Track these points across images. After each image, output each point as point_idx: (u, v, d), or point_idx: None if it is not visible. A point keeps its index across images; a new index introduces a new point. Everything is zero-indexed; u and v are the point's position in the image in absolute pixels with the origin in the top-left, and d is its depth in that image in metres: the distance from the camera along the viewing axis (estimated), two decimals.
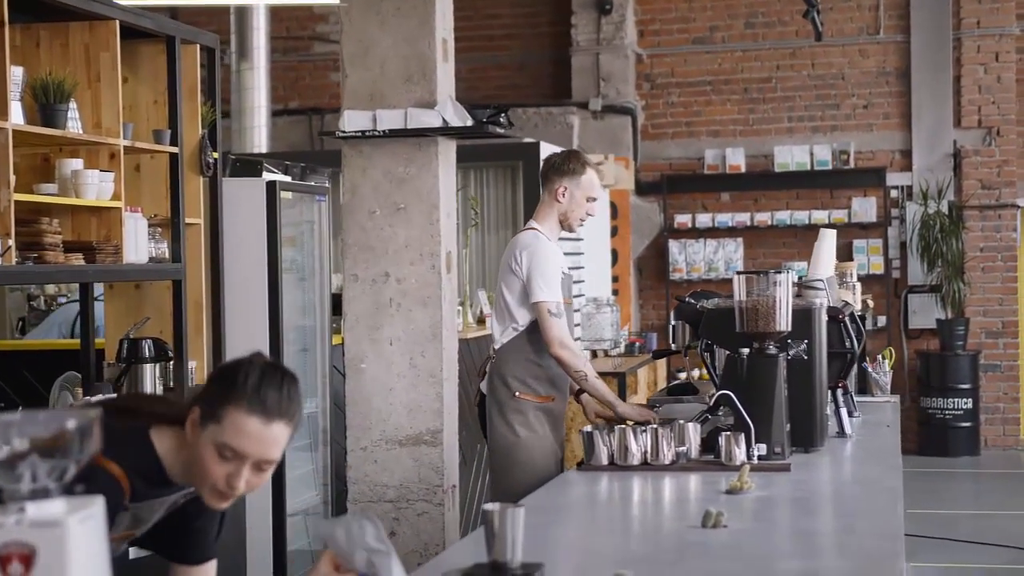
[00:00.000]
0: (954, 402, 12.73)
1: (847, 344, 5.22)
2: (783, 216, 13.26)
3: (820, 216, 13.10)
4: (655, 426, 4.46)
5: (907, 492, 9.39)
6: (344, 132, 5.91)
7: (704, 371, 12.04)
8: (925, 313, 13.09)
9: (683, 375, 12.16)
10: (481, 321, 8.47)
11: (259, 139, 11.11)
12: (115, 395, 4.93)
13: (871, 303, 11.05)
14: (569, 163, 5.52)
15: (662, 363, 11.79)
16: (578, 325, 10.27)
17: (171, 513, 2.88)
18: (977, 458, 12.73)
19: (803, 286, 5.38)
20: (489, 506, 2.79)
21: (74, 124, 5.11)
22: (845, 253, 12.81)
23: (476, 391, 5.74)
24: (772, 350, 4.56)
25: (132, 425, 2.77)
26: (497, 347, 5.49)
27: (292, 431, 2.74)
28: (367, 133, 5.88)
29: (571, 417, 6.46)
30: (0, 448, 1.77)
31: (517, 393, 5.41)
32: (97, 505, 1.81)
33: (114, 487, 2.66)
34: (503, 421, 5.41)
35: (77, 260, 5.09)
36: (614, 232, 12.98)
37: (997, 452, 13.01)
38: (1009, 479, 11.99)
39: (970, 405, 12.75)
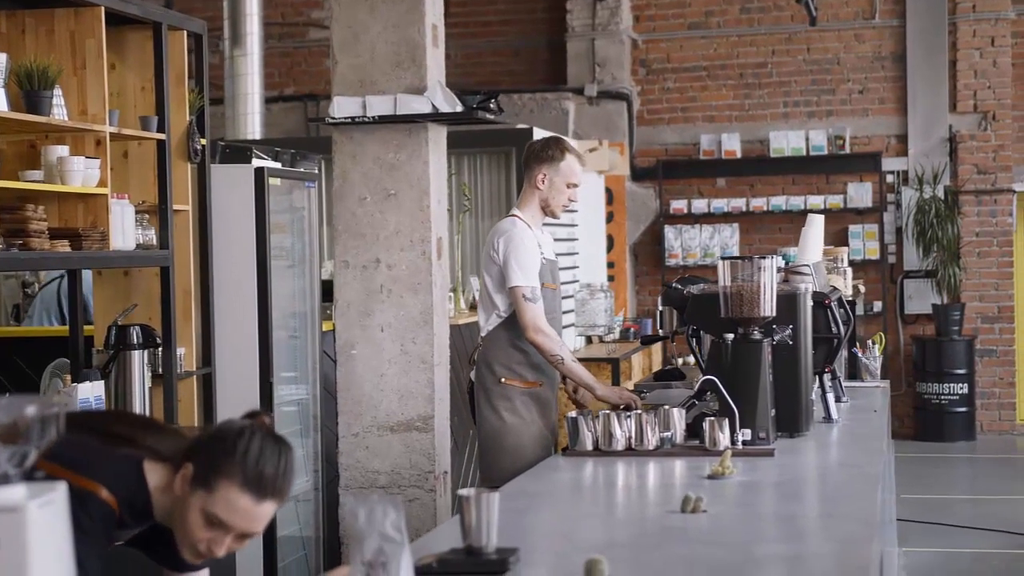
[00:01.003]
0: (950, 387, 12.74)
1: (833, 329, 5.22)
2: (779, 202, 13.26)
3: (816, 201, 13.09)
4: (639, 411, 4.46)
5: (902, 477, 9.47)
6: (334, 118, 5.91)
7: (693, 357, 12.07)
8: (921, 298, 13.10)
9: (679, 361, 12.18)
10: (473, 307, 8.47)
11: (252, 126, 11.09)
12: (104, 412, 4.83)
13: (862, 288, 11.03)
14: (548, 150, 5.53)
15: (657, 349, 11.80)
16: (571, 311, 10.30)
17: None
18: (973, 443, 12.74)
19: (789, 271, 5.38)
20: (464, 492, 2.80)
21: (59, 111, 5.10)
22: (841, 238, 12.81)
23: (467, 379, 5.76)
24: (757, 335, 4.57)
25: (127, 454, 2.75)
26: (483, 334, 5.52)
27: (281, 505, 2.75)
28: (357, 119, 5.87)
29: (565, 403, 6.47)
30: None
31: (503, 379, 5.43)
32: (58, 491, 1.81)
33: (106, 513, 2.66)
34: (490, 407, 5.44)
35: (63, 247, 5.09)
36: (610, 218, 12.98)
37: (993, 437, 13.01)
38: (1004, 464, 12.00)
39: (966, 390, 12.76)
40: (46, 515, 1.78)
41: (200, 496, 2.66)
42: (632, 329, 11.18)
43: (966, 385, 12.76)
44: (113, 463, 2.68)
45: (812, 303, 4.97)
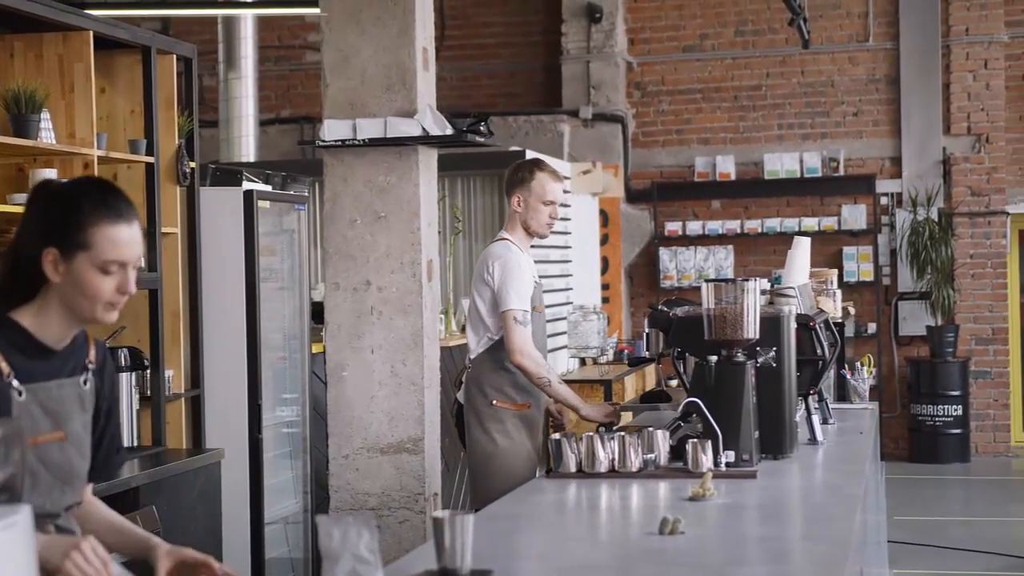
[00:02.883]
0: (944, 409, 12.74)
1: (818, 351, 5.23)
2: (773, 223, 13.29)
3: (810, 223, 13.12)
4: (623, 434, 4.47)
5: (897, 499, 9.47)
6: (324, 141, 5.93)
7: (678, 379, 12.07)
8: (915, 320, 13.11)
9: (674, 383, 12.18)
10: (464, 329, 8.48)
11: (247, 148, 11.13)
12: None
13: (852, 310, 11.05)
14: (518, 172, 5.67)
15: (651, 370, 11.80)
16: (563, 333, 10.31)
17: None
18: (967, 465, 12.74)
19: (775, 293, 5.39)
20: (438, 514, 2.81)
21: (47, 134, 5.13)
22: (835, 260, 12.83)
23: (453, 401, 5.78)
24: (740, 357, 4.57)
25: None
26: (472, 356, 5.58)
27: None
28: (347, 142, 5.90)
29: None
30: None
31: (494, 401, 5.48)
32: (23, 513, 1.83)
33: None
34: (481, 430, 5.47)
35: None
36: (604, 240, 13.01)
37: (987, 459, 13.01)
38: (999, 486, 11.99)
39: (960, 412, 12.76)
40: (9, 537, 1.79)
41: (82, 259, 2.78)
42: (627, 351, 11.17)
43: (960, 407, 12.76)
44: None
45: (797, 325, 4.98)
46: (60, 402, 2.87)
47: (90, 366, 2.96)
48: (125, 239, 2.80)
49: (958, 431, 12.77)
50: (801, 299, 5.43)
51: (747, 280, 4.57)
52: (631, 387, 10.36)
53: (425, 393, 5.94)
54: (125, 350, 5.67)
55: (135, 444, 5.74)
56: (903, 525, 9.40)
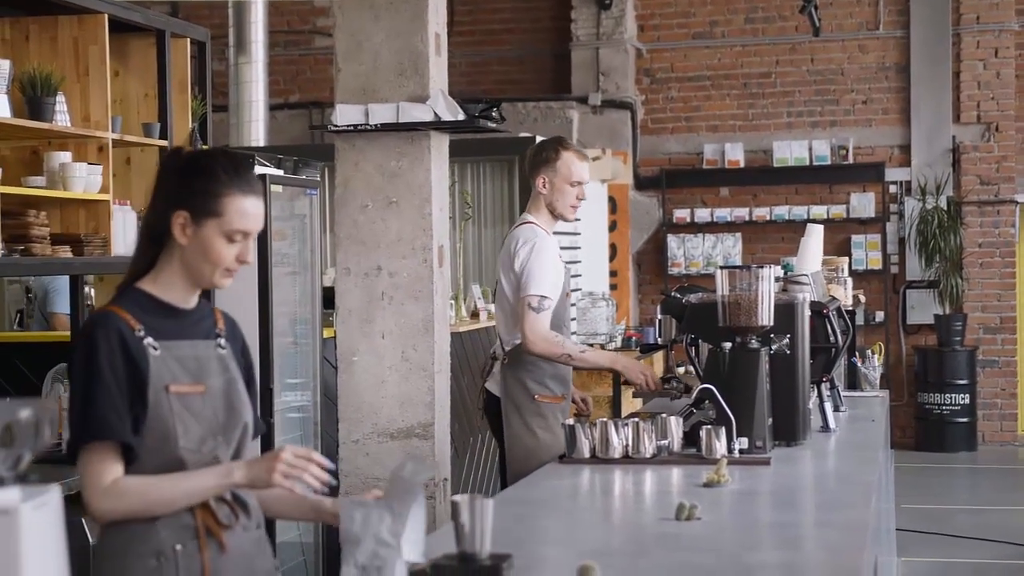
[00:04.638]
0: (951, 397, 12.74)
1: (831, 339, 5.23)
2: (782, 211, 13.28)
3: (819, 211, 13.11)
4: (637, 420, 4.47)
5: (903, 487, 9.47)
6: (336, 126, 5.93)
7: (691, 365, 12.07)
8: (923, 308, 13.11)
9: (681, 369, 12.17)
10: (475, 315, 8.49)
11: (256, 133, 11.12)
12: None
13: (863, 298, 11.04)
14: (542, 152, 5.50)
15: (660, 357, 11.81)
16: (573, 319, 10.30)
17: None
18: (974, 453, 12.75)
19: (788, 281, 5.39)
20: (457, 498, 2.81)
21: (62, 117, 5.13)
22: (843, 248, 12.82)
23: (480, 392, 5.66)
24: (754, 344, 4.57)
25: (121, 290, 3.01)
26: (508, 348, 5.43)
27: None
28: (359, 127, 5.89)
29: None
30: None
31: (536, 396, 5.37)
32: (52, 493, 1.83)
33: (112, 316, 2.90)
34: (522, 424, 5.36)
35: (65, 252, 5.11)
36: (613, 227, 13.00)
37: (994, 447, 13.02)
38: (1006, 475, 12.00)
39: (967, 400, 12.76)
40: (40, 517, 1.80)
41: (211, 226, 2.92)
42: (635, 337, 11.17)
43: (968, 395, 12.76)
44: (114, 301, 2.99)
45: (810, 312, 4.98)
46: (197, 360, 2.99)
47: (221, 332, 3.08)
48: (253, 211, 2.95)
49: (965, 420, 12.78)
50: (814, 286, 5.43)
51: (762, 267, 4.57)
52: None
53: (436, 379, 5.94)
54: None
55: None
56: (910, 513, 9.41)
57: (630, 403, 9.60)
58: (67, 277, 6.09)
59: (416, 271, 5.93)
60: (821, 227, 6.03)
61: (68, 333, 6.16)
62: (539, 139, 10.44)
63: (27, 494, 1.82)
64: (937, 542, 8.92)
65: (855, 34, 13.36)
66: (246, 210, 2.93)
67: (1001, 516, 9.99)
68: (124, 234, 5.46)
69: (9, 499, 1.79)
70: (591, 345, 10.63)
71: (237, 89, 11.24)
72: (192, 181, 2.94)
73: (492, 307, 8.65)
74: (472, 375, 7.76)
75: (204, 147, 3.17)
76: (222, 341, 3.07)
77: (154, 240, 2.98)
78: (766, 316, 4.55)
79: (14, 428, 1.80)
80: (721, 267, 4.63)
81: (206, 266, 2.93)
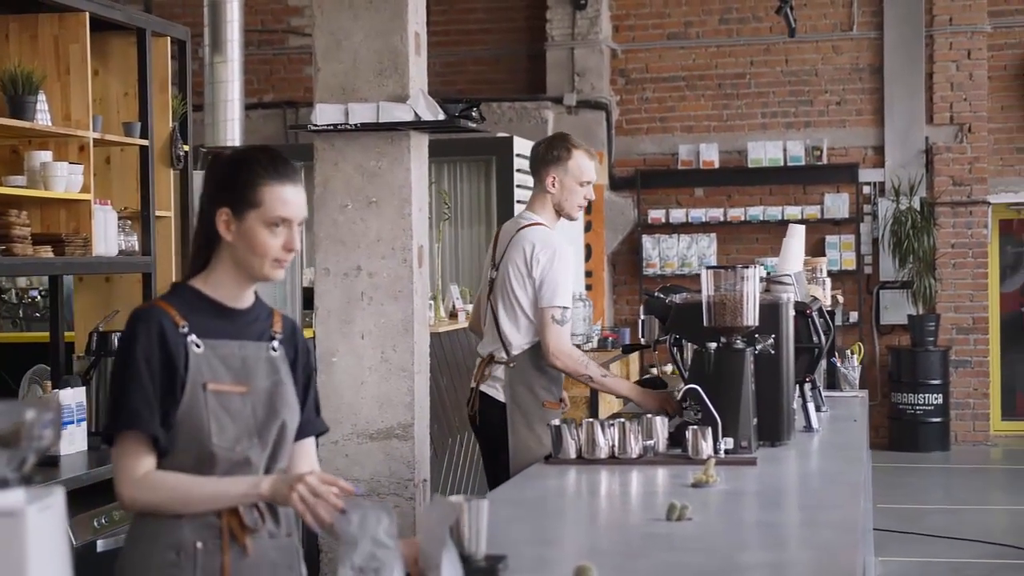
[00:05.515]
0: (924, 397, 12.80)
1: (815, 339, 5.24)
2: (756, 212, 13.31)
3: (793, 212, 13.15)
4: (622, 420, 4.47)
5: (877, 487, 9.50)
6: (316, 125, 5.90)
7: (674, 366, 12.08)
8: (896, 309, 13.16)
9: (654, 370, 12.18)
10: (453, 315, 8.48)
11: (232, 132, 11.03)
12: None
13: (841, 299, 11.09)
14: (553, 150, 5.35)
15: (635, 358, 11.82)
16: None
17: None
18: (947, 453, 12.81)
19: (771, 281, 5.40)
20: (454, 499, 2.80)
21: (43, 116, 5.09)
22: (817, 249, 12.86)
23: (470, 393, 5.53)
24: (739, 344, 4.58)
25: (174, 288, 3.06)
26: (515, 352, 5.28)
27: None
28: (339, 127, 5.87)
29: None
30: None
31: (545, 403, 5.27)
32: (56, 496, 1.81)
33: (156, 310, 2.94)
34: (529, 431, 5.23)
35: (46, 253, 5.07)
36: (588, 227, 13.01)
37: (967, 447, 13.08)
38: (979, 474, 12.06)
39: (940, 400, 12.82)
40: (45, 520, 1.78)
41: (252, 217, 2.96)
42: (611, 338, 11.18)
43: (941, 395, 12.82)
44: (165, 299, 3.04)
45: (794, 313, 4.99)
46: (244, 360, 3.00)
47: (277, 335, 3.08)
48: (291, 198, 2.99)
49: (938, 420, 12.84)
50: (797, 287, 5.44)
51: (747, 267, 4.58)
52: (617, 374, 10.37)
53: (416, 379, 5.93)
54: (119, 334, 5.63)
55: None
56: (886, 513, 9.44)
57: (607, 403, 9.61)
58: None
59: (396, 271, 5.91)
60: (803, 227, 6.05)
61: (47, 334, 6.11)
62: (517, 139, 10.48)
63: (32, 496, 1.80)
64: (913, 542, 8.96)
65: (829, 35, 13.40)
66: (284, 197, 2.97)
67: (976, 515, 10.04)
68: (105, 234, 5.42)
69: (15, 501, 1.77)
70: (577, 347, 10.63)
71: (213, 88, 11.16)
72: (230, 178, 3.00)
73: (469, 307, 8.65)
74: (451, 376, 7.75)
75: (254, 144, 3.24)
76: (276, 344, 3.07)
77: (205, 244, 3.02)
78: (751, 316, 4.56)
79: (19, 429, 1.78)
80: (707, 267, 4.63)
81: (254, 259, 2.97)
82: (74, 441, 5.03)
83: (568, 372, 5.18)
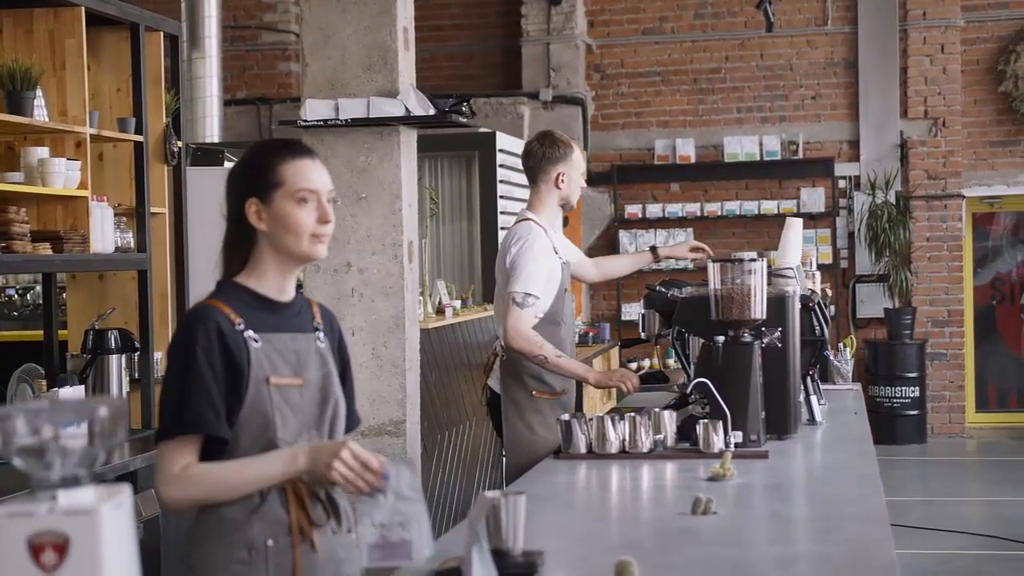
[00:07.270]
0: (901, 390, 12.86)
1: (817, 331, 5.25)
2: (732, 206, 13.33)
3: (769, 206, 13.19)
4: (633, 415, 4.45)
5: None
6: (305, 121, 5.87)
7: (657, 360, 12.06)
8: (873, 302, 13.22)
9: (635, 364, 12.20)
10: (440, 311, 8.45)
11: (211, 128, 10.99)
12: None
13: (830, 291, 11.13)
14: (557, 148, 5.43)
15: (614, 352, 11.84)
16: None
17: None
18: (924, 445, 12.88)
19: (773, 274, 5.40)
20: (491, 494, 2.78)
21: (40, 112, 5.04)
22: None
23: (483, 388, 5.59)
24: (747, 338, 4.57)
25: (219, 286, 3.04)
26: (506, 345, 5.34)
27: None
28: (329, 122, 5.84)
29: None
30: (30, 436, 1.74)
31: (534, 392, 5.33)
32: (126, 494, 1.79)
33: (212, 310, 2.92)
34: (521, 421, 5.32)
35: (44, 250, 5.02)
36: (565, 223, 12.93)
37: (943, 439, 13.16)
38: (955, 466, 12.12)
39: (917, 393, 12.89)
40: (117, 517, 1.75)
41: (279, 196, 2.95)
42: (591, 333, 11.19)
43: (917, 388, 12.89)
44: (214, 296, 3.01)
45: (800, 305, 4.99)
46: (297, 353, 2.98)
47: (319, 326, 3.07)
48: (312, 169, 2.99)
49: (915, 412, 12.90)
50: (798, 279, 5.45)
51: (754, 260, 4.57)
52: (599, 369, 10.36)
53: (407, 375, 5.91)
54: (115, 332, 5.59)
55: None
56: None
57: (590, 399, 9.61)
58: None
59: (386, 267, 5.90)
60: (800, 221, 6.05)
61: (26, 333, 6.05)
62: (499, 135, 10.45)
63: (104, 494, 1.77)
64: (898, 534, 8.94)
65: (803, 30, 13.44)
66: (305, 171, 2.97)
67: (953, 507, 10.09)
68: (102, 231, 5.37)
69: (89, 499, 1.75)
70: None
71: (191, 84, 11.11)
72: (249, 169, 3.01)
73: (457, 303, 8.63)
74: (439, 372, 7.72)
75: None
76: (321, 335, 3.06)
77: (241, 242, 3.00)
78: (759, 309, 4.56)
79: (92, 427, 1.75)
80: (714, 261, 4.63)
81: (291, 238, 2.95)
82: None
83: (524, 354, 5.23)
